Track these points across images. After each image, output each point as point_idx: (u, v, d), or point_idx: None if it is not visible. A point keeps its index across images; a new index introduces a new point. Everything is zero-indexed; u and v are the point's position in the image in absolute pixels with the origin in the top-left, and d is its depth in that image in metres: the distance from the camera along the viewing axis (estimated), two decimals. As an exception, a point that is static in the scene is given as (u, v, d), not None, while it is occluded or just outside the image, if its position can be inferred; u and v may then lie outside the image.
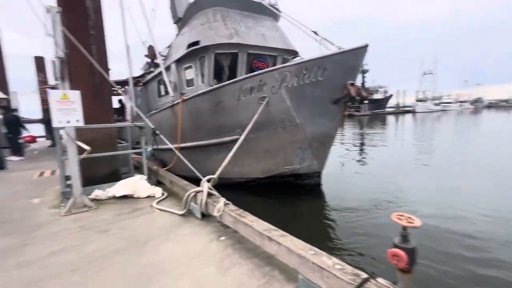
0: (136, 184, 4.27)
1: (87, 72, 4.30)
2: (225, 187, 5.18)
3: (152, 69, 8.93)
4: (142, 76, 10.38)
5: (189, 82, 7.09)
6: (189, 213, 3.41)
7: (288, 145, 5.47)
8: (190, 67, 6.89)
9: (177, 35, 8.81)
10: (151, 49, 8.84)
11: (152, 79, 9.34)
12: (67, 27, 3.67)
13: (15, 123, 8.83)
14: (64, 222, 3.35)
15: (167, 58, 7.80)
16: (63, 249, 2.65)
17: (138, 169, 5.95)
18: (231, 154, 4.09)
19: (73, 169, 3.74)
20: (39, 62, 16.24)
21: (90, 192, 4.13)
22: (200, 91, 5.79)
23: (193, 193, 3.28)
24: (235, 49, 6.41)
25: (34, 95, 16.91)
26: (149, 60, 10.03)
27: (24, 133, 9.99)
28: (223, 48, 6.31)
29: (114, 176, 4.79)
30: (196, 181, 4.54)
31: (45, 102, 15.64)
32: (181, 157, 4.24)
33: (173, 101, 6.42)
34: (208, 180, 3.39)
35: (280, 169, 5.79)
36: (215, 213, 2.81)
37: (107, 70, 4.64)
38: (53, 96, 3.49)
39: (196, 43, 6.37)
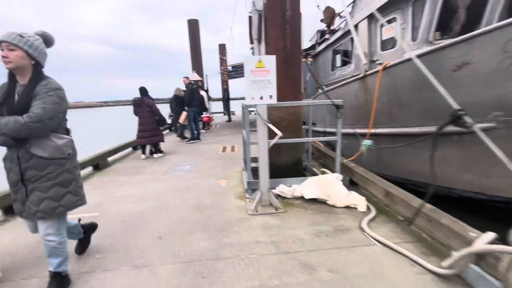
0: (330, 186, 3.07)
1: (279, 34, 3.37)
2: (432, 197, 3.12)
3: (327, 36, 7.55)
4: (311, 48, 9.30)
5: (386, 44, 5.12)
6: (453, 275, 1.78)
7: None
8: (391, 20, 4.87)
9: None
10: (328, 11, 7.41)
11: (325, 49, 8.00)
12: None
13: (201, 102, 10.22)
14: (253, 227, 2.61)
15: (352, 17, 6.07)
16: (261, 290, 1.76)
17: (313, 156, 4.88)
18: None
19: (262, 160, 2.96)
20: (222, 47, 19.05)
21: (274, 185, 3.35)
22: (421, 51, 3.74)
23: (474, 254, 1.58)
24: (490, -28, 3.74)
25: (217, 77, 20.23)
26: (321, 28, 8.73)
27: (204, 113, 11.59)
28: (466, -25, 3.83)
29: (297, 167, 3.87)
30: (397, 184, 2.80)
31: (224, 83, 18.35)
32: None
33: (366, 70, 4.73)
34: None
35: None
36: None
37: (300, 31, 3.58)
38: (248, 63, 2.70)
39: (413, -22, 4.23)
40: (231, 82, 19.90)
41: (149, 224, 2.80)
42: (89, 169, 5.18)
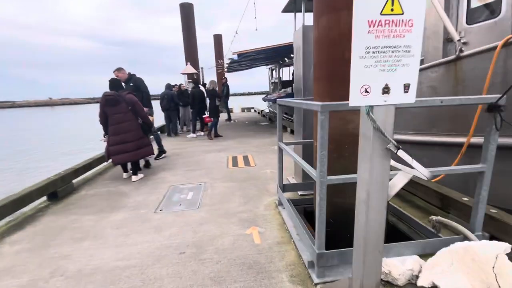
0: (497, 272, 1.50)
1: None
2: None
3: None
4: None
5: (476, 14, 3.56)
6: None
7: None
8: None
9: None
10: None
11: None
12: None
13: (201, 99, 8.43)
14: None
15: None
16: None
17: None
18: None
19: (373, 222, 1.35)
20: (217, 37, 17.26)
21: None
22: None
23: None
24: None
25: (213, 70, 18.43)
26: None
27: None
28: None
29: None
30: None
31: (220, 76, 16.58)
32: None
33: (461, 50, 3.16)
34: None
35: None
36: None
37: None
38: (364, 4, 1.07)
39: None
40: (229, 76, 18.18)
41: None
42: (43, 199, 3.48)
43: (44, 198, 3.48)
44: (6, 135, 19.83)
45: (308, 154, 3.10)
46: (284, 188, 2.98)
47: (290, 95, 8.35)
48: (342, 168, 1.96)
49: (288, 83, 11.62)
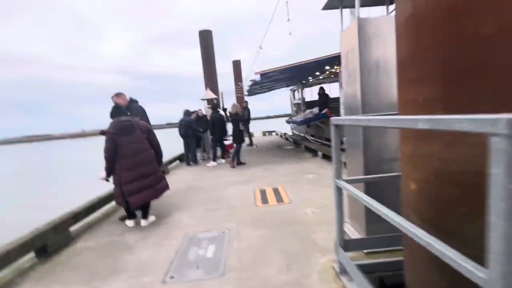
0: None
1: None
2: None
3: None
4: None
5: None
6: None
7: None
8: None
9: None
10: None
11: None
12: None
13: (221, 124, 7.80)
14: None
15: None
16: None
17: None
18: None
19: None
20: (236, 63, 17.21)
21: None
22: None
23: None
24: None
25: (232, 95, 18.24)
26: None
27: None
28: None
29: None
30: None
31: (240, 100, 16.23)
32: None
33: None
34: None
35: None
36: None
37: None
38: None
39: None
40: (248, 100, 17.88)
41: None
42: (29, 256, 2.76)
43: (32, 255, 2.77)
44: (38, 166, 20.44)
45: (372, 190, 2.17)
46: (347, 245, 2.03)
47: (323, 116, 7.55)
48: (479, 234, 1.02)
49: (312, 104, 10.86)
